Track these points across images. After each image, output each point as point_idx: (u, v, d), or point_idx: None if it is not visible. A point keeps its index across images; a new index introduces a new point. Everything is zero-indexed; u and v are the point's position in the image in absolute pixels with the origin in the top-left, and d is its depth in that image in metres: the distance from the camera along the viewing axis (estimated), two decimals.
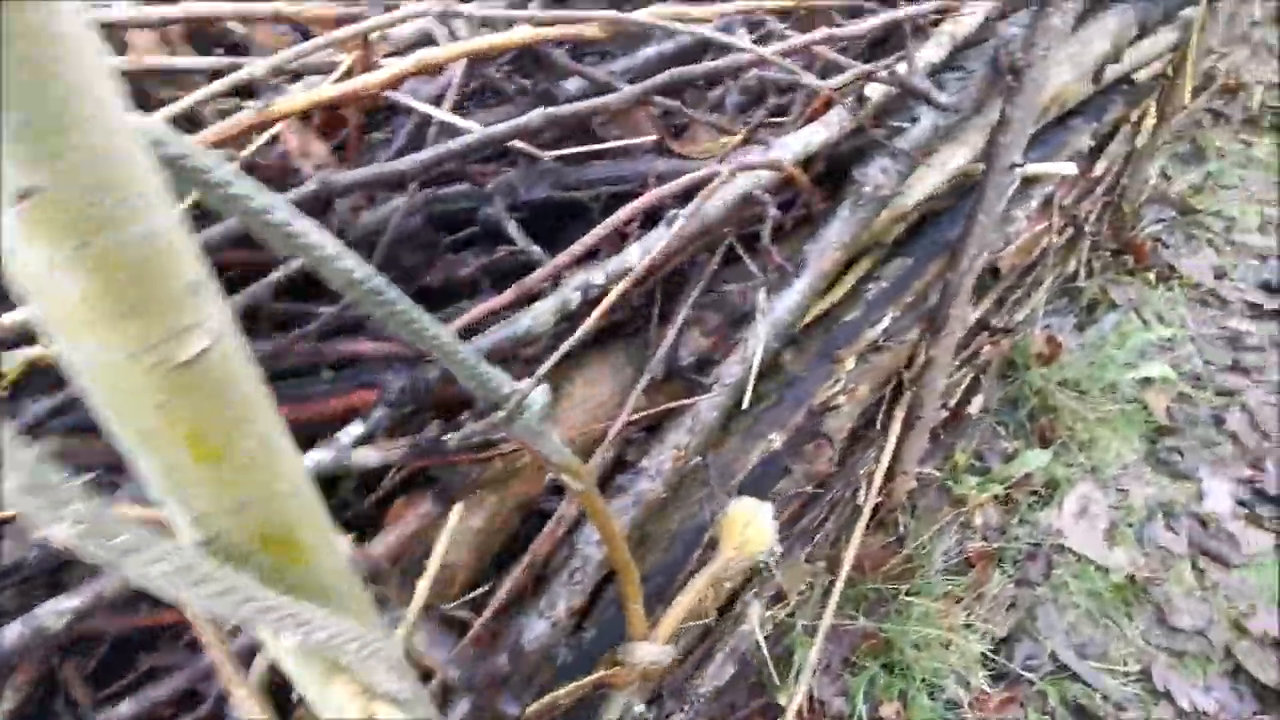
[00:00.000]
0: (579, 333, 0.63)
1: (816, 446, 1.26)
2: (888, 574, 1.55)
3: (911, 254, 1.31)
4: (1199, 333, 2.17)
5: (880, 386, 1.41)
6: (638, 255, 0.75)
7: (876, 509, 1.64)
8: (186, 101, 0.59)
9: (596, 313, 0.64)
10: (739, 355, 0.88)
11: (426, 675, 0.66)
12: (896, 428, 1.53)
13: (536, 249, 0.73)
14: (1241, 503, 1.71)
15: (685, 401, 0.83)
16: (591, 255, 0.77)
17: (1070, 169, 1.49)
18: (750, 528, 0.92)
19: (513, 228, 0.73)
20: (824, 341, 1.21)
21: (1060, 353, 2.01)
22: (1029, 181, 1.57)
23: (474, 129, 0.59)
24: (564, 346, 0.65)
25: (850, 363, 1.22)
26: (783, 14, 0.92)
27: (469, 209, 0.76)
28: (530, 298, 0.70)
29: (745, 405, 0.87)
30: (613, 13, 0.60)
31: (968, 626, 1.50)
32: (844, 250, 0.97)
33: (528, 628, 0.73)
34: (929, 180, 1.17)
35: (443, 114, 0.61)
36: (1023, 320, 1.94)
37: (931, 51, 0.95)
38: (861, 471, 1.54)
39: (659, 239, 0.77)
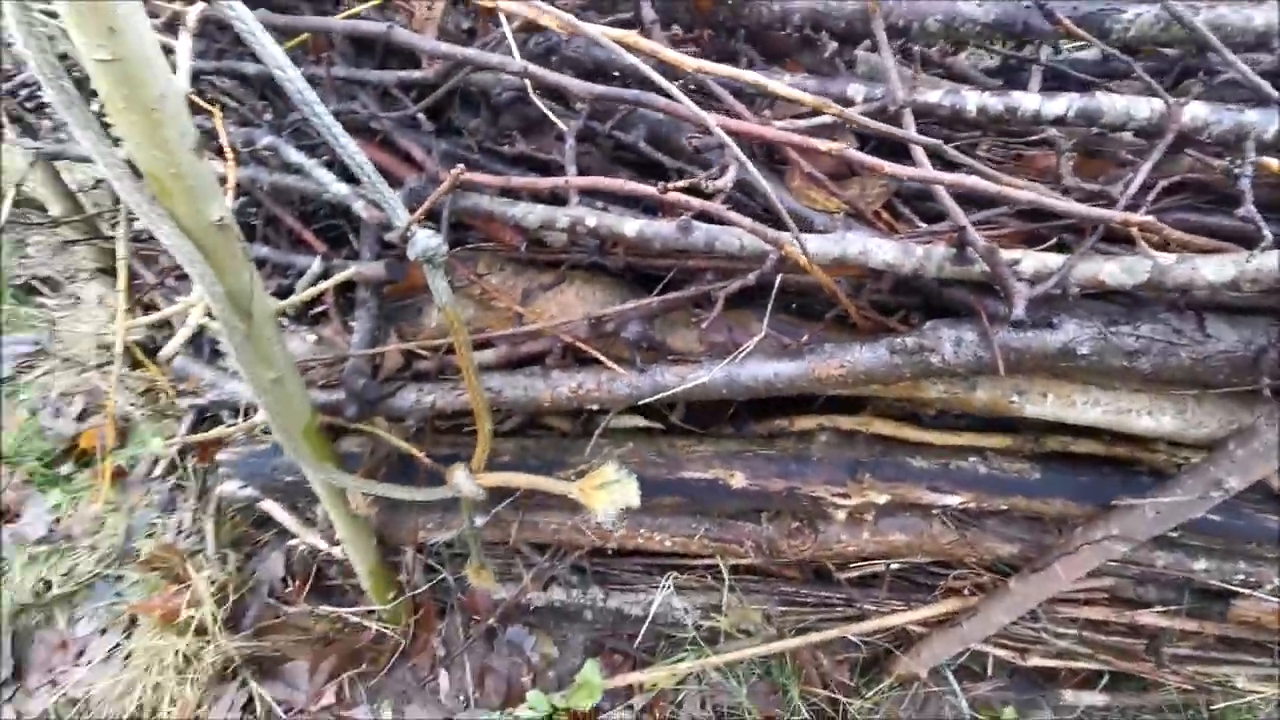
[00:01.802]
0: None
1: (796, 529, 1.24)
2: None
3: (1047, 470, 1.09)
4: None
5: (924, 551, 1.25)
6: (632, 229, 0.85)
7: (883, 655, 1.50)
8: None
9: None
10: (683, 371, 0.93)
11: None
12: (932, 609, 1.35)
13: (572, 169, 0.87)
14: None
15: (607, 362, 0.94)
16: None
17: None
18: (606, 489, 1.03)
19: (569, 144, 0.87)
20: (869, 457, 1.13)
21: None
22: None
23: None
24: None
25: (874, 497, 1.13)
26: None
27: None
28: (536, 195, 0.87)
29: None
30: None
31: None
32: (852, 376, 0.89)
33: (404, 394, 1.01)
34: (1086, 413, 0.94)
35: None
36: None
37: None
38: (868, 605, 1.41)
39: (660, 232, 0.84)
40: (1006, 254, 0.76)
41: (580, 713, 1.51)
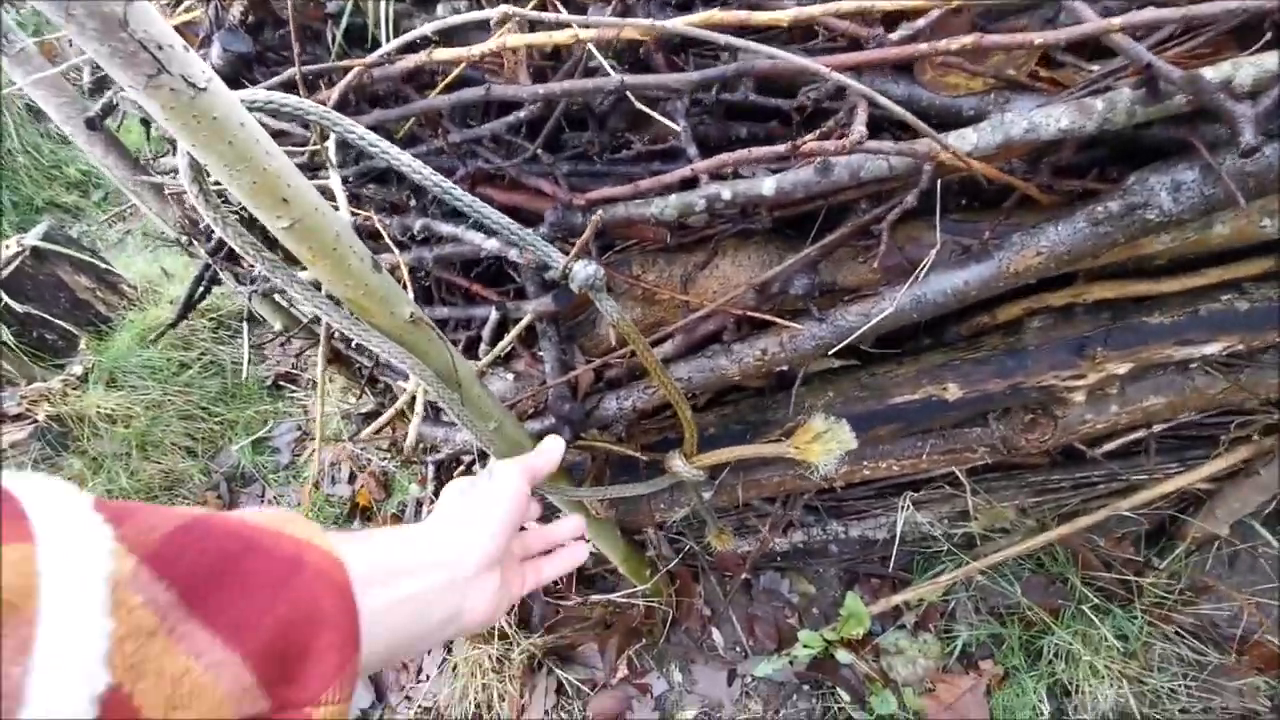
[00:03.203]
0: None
1: (1031, 421, 1.15)
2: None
3: None
4: None
5: (1190, 408, 1.11)
6: (770, 188, 0.82)
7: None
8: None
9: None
10: (865, 308, 0.89)
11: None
12: (1219, 463, 1.20)
13: (692, 150, 0.85)
14: None
15: (784, 322, 0.92)
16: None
17: None
18: (819, 441, 1.04)
19: (682, 126, 0.85)
20: (1095, 330, 1.02)
21: None
22: None
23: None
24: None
25: (1113, 369, 1.03)
26: None
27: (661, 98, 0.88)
28: (667, 188, 0.87)
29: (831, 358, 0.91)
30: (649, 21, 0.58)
31: None
32: (1054, 260, 0.79)
33: (604, 404, 1.07)
34: None
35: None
36: None
37: None
38: (1136, 476, 1.29)
39: (799, 180, 0.81)
40: (1211, 72, 0.64)
41: (854, 640, 1.54)
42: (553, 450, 0.71)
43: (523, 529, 0.69)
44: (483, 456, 1.30)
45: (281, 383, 2.76)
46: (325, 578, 0.37)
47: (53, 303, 2.67)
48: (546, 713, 1.67)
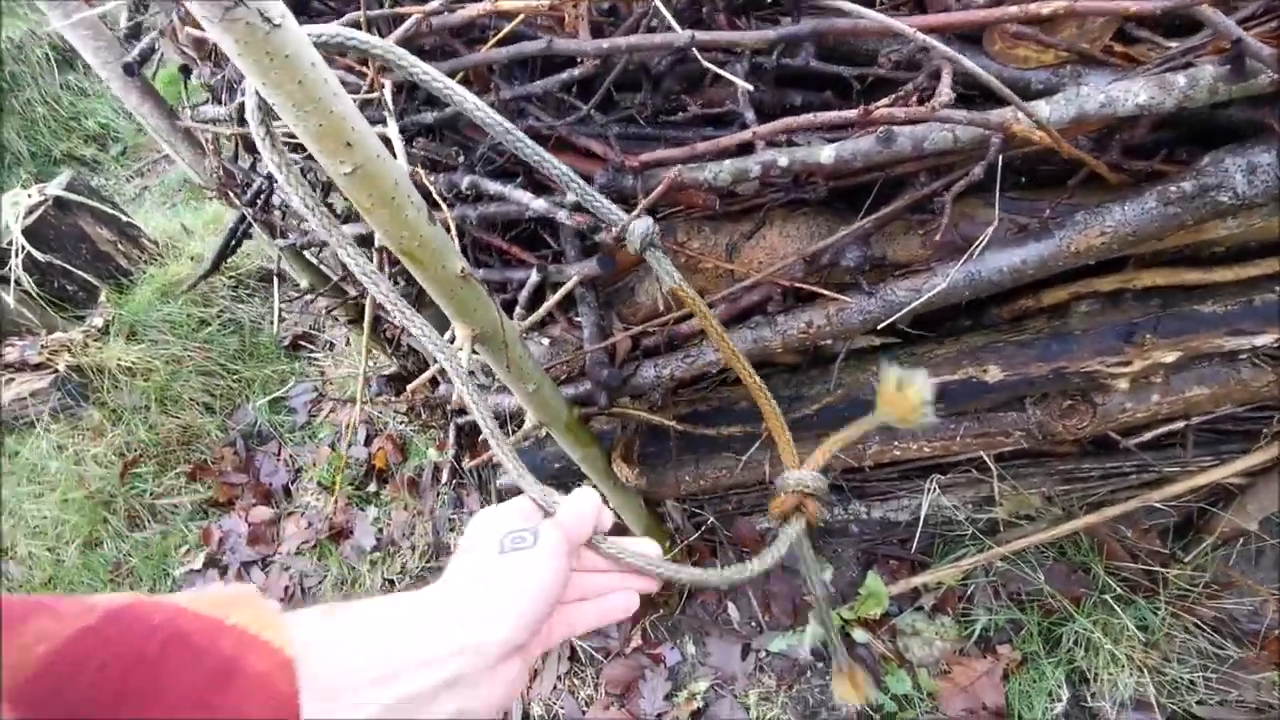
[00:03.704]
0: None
1: (1069, 407, 1.14)
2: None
3: None
4: None
5: (1233, 400, 1.10)
6: (829, 156, 0.80)
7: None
8: None
9: None
10: (916, 283, 0.88)
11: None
12: (1256, 457, 1.19)
13: (750, 114, 0.83)
14: None
15: (832, 294, 0.91)
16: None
17: None
18: (901, 394, 1.02)
19: (740, 90, 0.83)
20: (1145, 316, 1.01)
21: None
22: None
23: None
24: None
25: (1160, 357, 1.01)
26: None
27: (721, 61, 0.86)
28: (723, 152, 0.85)
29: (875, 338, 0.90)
30: None
31: None
32: (1118, 241, 0.78)
33: (642, 372, 1.06)
34: None
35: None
36: None
37: None
38: (1169, 467, 1.28)
39: (860, 150, 0.79)
40: None
41: (871, 620, 1.54)
42: (590, 506, 0.53)
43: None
44: (513, 419, 1.30)
45: (300, 343, 2.76)
46: (264, 691, 0.30)
47: (74, 253, 2.66)
48: (559, 678, 1.69)
